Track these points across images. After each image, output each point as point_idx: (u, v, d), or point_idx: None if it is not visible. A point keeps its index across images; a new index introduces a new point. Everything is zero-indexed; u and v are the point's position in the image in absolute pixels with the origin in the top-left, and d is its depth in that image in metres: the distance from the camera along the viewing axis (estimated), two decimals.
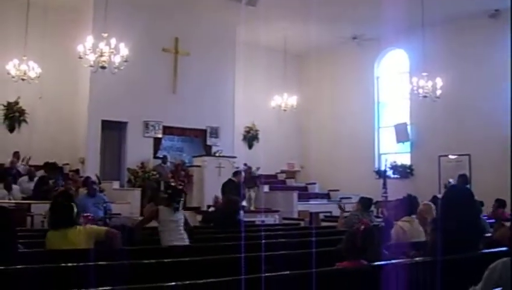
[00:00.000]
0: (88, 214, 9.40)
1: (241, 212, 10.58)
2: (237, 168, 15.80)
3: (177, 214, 6.69)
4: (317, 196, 18.79)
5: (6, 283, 3.30)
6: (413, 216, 6.58)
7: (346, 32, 18.19)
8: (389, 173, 17.57)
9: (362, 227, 4.27)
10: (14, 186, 12.90)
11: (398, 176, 17.65)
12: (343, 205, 10.42)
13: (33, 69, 14.52)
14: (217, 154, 16.28)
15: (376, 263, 4.10)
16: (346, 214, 9.55)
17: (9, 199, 12.35)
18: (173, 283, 3.35)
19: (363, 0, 15.45)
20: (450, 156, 16.57)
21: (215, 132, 17.72)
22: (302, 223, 13.50)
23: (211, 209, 10.89)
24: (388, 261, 4.21)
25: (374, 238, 4.26)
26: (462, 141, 16.05)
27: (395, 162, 18.05)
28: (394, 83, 19.11)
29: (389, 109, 19.34)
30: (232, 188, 12.75)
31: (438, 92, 15.07)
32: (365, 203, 9.04)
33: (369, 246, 4.18)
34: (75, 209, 5.53)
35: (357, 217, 8.78)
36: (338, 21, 17.24)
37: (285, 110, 18.80)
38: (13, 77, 14.32)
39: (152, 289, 3.32)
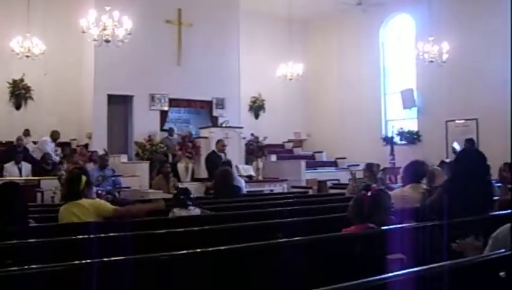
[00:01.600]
0: (99, 188, 9.51)
1: (239, 179, 10.63)
2: (244, 138, 15.85)
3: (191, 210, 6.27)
4: (324, 164, 18.80)
5: (18, 256, 3.35)
6: (422, 182, 6.56)
7: None
8: (396, 139, 17.53)
9: (369, 193, 4.29)
10: (24, 163, 13.00)
11: (406, 142, 17.61)
12: (354, 172, 10.38)
13: (37, 46, 14.50)
14: (223, 125, 16.26)
15: (384, 227, 4.12)
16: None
17: (20, 176, 12.49)
18: (184, 251, 3.39)
19: None
20: (457, 121, 16.49)
21: (221, 103, 17.67)
22: (311, 191, 13.55)
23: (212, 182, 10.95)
24: (396, 225, 4.23)
25: (381, 204, 4.28)
26: (469, 105, 15.93)
27: (402, 128, 17.99)
28: (400, 48, 18.97)
29: (395, 75, 19.21)
30: (214, 158, 12.78)
31: (445, 57, 14.97)
32: (372, 168, 9.04)
33: (376, 211, 4.21)
34: (83, 181, 5.52)
35: (364, 183, 8.80)
36: None
37: (290, 78, 18.71)
38: (17, 54, 14.31)
39: (164, 258, 3.35)
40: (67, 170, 12.08)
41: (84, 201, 5.39)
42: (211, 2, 17.35)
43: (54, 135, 14.41)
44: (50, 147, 14.06)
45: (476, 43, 15.75)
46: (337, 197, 9.49)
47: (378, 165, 9.29)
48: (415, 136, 17.64)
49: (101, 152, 13.12)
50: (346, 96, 19.76)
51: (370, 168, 8.95)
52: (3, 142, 14.74)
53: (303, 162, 16.44)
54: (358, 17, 18.96)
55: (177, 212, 6.05)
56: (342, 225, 4.35)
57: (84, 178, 5.53)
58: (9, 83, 15.71)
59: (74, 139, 15.87)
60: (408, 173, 6.52)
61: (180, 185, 6.28)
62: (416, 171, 6.46)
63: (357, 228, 4.16)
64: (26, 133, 14.56)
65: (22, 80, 15.76)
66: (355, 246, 3.90)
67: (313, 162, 18.38)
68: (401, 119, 18.61)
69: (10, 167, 12.77)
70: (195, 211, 6.15)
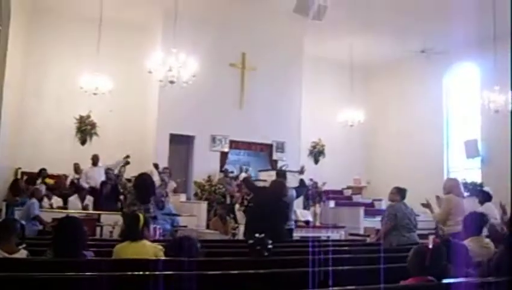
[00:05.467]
0: (155, 226, 9.56)
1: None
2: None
3: None
4: (383, 212, 18.40)
5: (74, 288, 3.38)
6: (483, 235, 6.36)
7: (414, 45, 17.84)
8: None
9: (431, 245, 4.18)
10: (88, 197, 13.41)
11: (468, 194, 17.11)
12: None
13: (104, 84, 14.93)
14: (282, 169, 16.22)
15: (444, 281, 3.98)
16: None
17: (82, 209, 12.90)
18: None
19: (432, 12, 15.17)
20: None
21: (281, 147, 17.73)
22: (368, 240, 13.27)
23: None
24: (457, 279, 4.08)
25: (442, 256, 4.16)
26: None
27: (464, 179, 17.50)
28: (464, 97, 18.64)
29: (459, 123, 18.84)
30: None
31: (510, 107, 14.60)
32: (403, 193, 8.92)
33: (438, 263, 4.09)
34: (142, 221, 5.58)
35: (392, 208, 8.67)
36: (406, 34, 17.00)
37: (351, 125, 18.63)
38: (85, 92, 14.76)
39: None
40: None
41: (146, 243, 5.46)
42: (275, 47, 17.58)
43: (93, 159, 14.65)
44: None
45: None
46: (395, 247, 9.25)
47: (405, 190, 9.22)
48: (479, 187, 17.13)
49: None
50: (407, 144, 19.46)
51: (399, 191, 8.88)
52: (68, 175, 15.10)
53: (362, 210, 16.20)
54: (421, 64, 18.78)
55: None
56: (400, 276, 4.23)
57: (142, 217, 5.61)
58: (76, 118, 16.22)
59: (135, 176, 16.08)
60: (468, 225, 6.32)
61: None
62: (476, 224, 6.26)
63: (415, 280, 4.04)
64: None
65: (88, 116, 16.27)
66: None
67: (372, 210, 18.04)
68: (464, 169, 18.16)
69: (73, 200, 13.25)
70: None
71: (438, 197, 9.26)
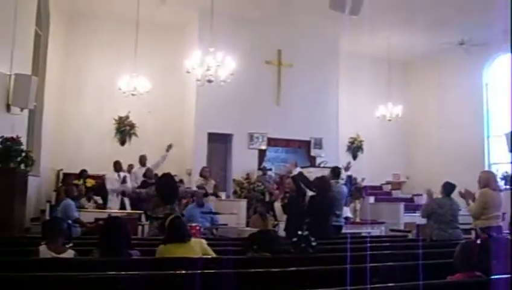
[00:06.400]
0: (196, 224, 9.66)
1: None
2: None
3: None
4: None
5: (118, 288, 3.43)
6: None
7: (452, 38, 17.57)
8: (501, 184, 16.75)
9: (479, 240, 4.13)
10: (122, 173, 13.84)
11: (511, 187, 16.80)
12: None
13: (142, 85, 15.07)
14: (321, 166, 16.18)
15: (493, 276, 3.92)
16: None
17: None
18: None
19: (471, 3, 14.92)
20: None
21: (319, 143, 17.66)
22: (410, 235, 13.16)
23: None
24: (506, 275, 4.02)
25: (490, 252, 4.10)
26: None
27: (506, 172, 17.20)
28: (505, 89, 18.28)
29: (500, 116, 18.49)
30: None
31: None
32: (448, 189, 8.80)
33: (485, 259, 4.03)
34: (184, 223, 5.67)
35: (434, 202, 8.59)
36: (444, 26, 16.73)
37: (389, 119, 18.45)
38: (124, 93, 14.93)
39: None
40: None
41: (192, 241, 5.51)
42: (311, 43, 17.53)
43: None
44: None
45: None
46: (437, 243, 9.15)
47: (454, 186, 9.09)
48: None
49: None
50: (446, 138, 19.19)
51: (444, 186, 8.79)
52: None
53: (402, 205, 16.05)
54: (460, 57, 18.47)
55: None
56: (445, 272, 4.18)
57: (183, 219, 5.70)
58: (115, 119, 16.45)
59: (174, 175, 16.19)
60: None
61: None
62: None
63: (462, 275, 3.99)
64: (130, 168, 15.03)
65: (127, 117, 16.48)
66: None
67: (412, 205, 17.87)
68: (506, 163, 17.83)
69: (110, 176, 13.61)
70: None
71: (467, 192, 9.05)
